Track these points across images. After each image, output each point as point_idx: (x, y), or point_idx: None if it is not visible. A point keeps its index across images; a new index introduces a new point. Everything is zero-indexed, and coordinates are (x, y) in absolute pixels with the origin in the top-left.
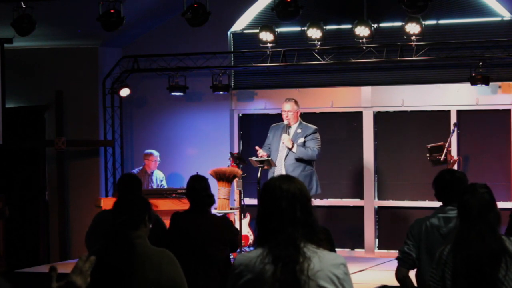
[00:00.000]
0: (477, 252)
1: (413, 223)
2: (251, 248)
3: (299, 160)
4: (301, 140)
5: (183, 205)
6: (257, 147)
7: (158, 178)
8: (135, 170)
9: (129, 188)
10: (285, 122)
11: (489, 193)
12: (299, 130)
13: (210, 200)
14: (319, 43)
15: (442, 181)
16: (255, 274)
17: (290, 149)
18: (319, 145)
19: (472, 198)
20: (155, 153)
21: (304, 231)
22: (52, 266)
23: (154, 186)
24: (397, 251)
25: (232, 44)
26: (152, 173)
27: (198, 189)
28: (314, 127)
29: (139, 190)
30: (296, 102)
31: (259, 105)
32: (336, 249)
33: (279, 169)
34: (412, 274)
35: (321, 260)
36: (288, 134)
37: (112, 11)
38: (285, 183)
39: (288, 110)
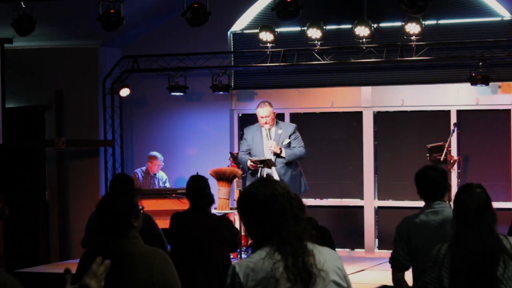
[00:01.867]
0: (476, 251)
1: (400, 223)
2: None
3: (288, 162)
4: (287, 141)
5: (183, 205)
6: (250, 164)
7: (161, 180)
8: (138, 170)
9: (119, 189)
10: (266, 127)
11: (485, 192)
12: (279, 131)
13: (208, 200)
14: (319, 43)
15: (427, 178)
16: (265, 275)
17: (279, 155)
18: (302, 142)
19: (469, 198)
20: (160, 157)
21: (302, 227)
22: (66, 268)
23: (157, 187)
24: None
25: (232, 44)
26: (155, 174)
27: (195, 189)
28: (293, 124)
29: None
30: (270, 104)
31: None
32: (336, 249)
33: (271, 172)
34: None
35: (321, 254)
36: (269, 137)
37: (112, 11)
38: (276, 184)
39: (267, 115)
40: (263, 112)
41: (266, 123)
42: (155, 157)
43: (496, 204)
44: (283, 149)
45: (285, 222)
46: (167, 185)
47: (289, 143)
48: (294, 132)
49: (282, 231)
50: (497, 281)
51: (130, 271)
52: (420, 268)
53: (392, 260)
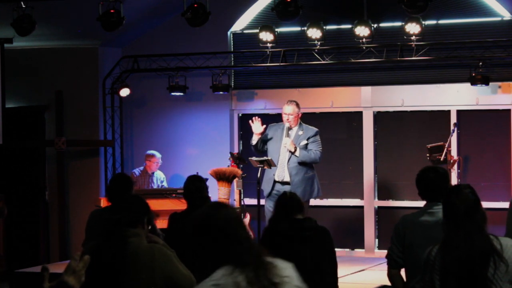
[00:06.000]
0: (466, 252)
1: (398, 221)
2: None
3: (301, 163)
4: (304, 142)
5: (183, 205)
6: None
7: (159, 179)
8: (136, 170)
9: (121, 188)
10: (286, 125)
11: (473, 193)
12: (300, 132)
13: (205, 202)
14: (319, 43)
15: (427, 179)
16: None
17: (292, 153)
18: (320, 147)
19: (458, 199)
20: (157, 155)
21: (258, 245)
22: (44, 266)
23: (155, 187)
24: None
25: (232, 44)
26: (153, 173)
27: (192, 190)
28: (315, 129)
29: (130, 190)
30: (297, 105)
31: (259, 105)
32: (336, 249)
33: (282, 172)
34: None
35: (281, 263)
36: (289, 136)
37: (112, 11)
38: (226, 209)
39: (290, 113)
40: (287, 109)
41: (288, 120)
42: (152, 155)
43: (496, 204)
44: (298, 149)
45: (239, 244)
46: (165, 184)
47: (307, 144)
48: (314, 136)
49: (237, 253)
50: (488, 282)
51: (131, 271)
52: (411, 267)
53: (387, 257)
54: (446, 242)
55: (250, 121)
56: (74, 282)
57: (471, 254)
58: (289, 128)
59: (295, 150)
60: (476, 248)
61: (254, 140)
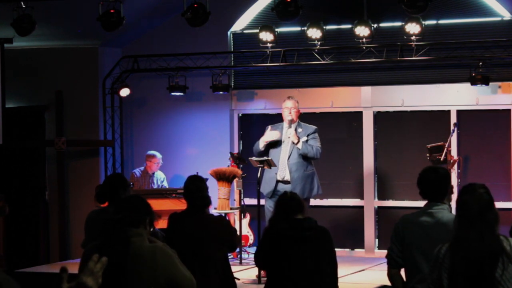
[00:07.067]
0: (476, 251)
1: (398, 220)
2: (253, 248)
3: (303, 158)
4: (304, 139)
5: (183, 205)
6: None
7: (159, 179)
8: (137, 170)
9: (116, 188)
10: (288, 118)
11: (487, 193)
12: (300, 129)
13: (205, 201)
14: (319, 43)
15: (428, 180)
16: None
17: (295, 144)
18: (320, 144)
19: (472, 198)
20: (158, 155)
21: None
22: (63, 267)
23: (155, 187)
24: None
25: (232, 44)
26: (153, 174)
27: (193, 190)
28: (314, 126)
29: (125, 190)
30: (297, 101)
31: (259, 105)
32: (336, 249)
33: (283, 170)
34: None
35: None
36: (291, 127)
37: (112, 11)
38: None
39: (292, 107)
40: (289, 104)
41: (290, 113)
42: (153, 156)
43: (496, 204)
44: (301, 140)
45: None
46: (165, 184)
47: (307, 141)
48: (313, 133)
49: None
50: (496, 282)
51: (133, 271)
52: (411, 267)
53: (387, 256)
54: (457, 241)
55: (268, 128)
56: (92, 283)
57: (481, 254)
58: (292, 122)
59: (298, 142)
60: (486, 248)
61: (263, 146)
